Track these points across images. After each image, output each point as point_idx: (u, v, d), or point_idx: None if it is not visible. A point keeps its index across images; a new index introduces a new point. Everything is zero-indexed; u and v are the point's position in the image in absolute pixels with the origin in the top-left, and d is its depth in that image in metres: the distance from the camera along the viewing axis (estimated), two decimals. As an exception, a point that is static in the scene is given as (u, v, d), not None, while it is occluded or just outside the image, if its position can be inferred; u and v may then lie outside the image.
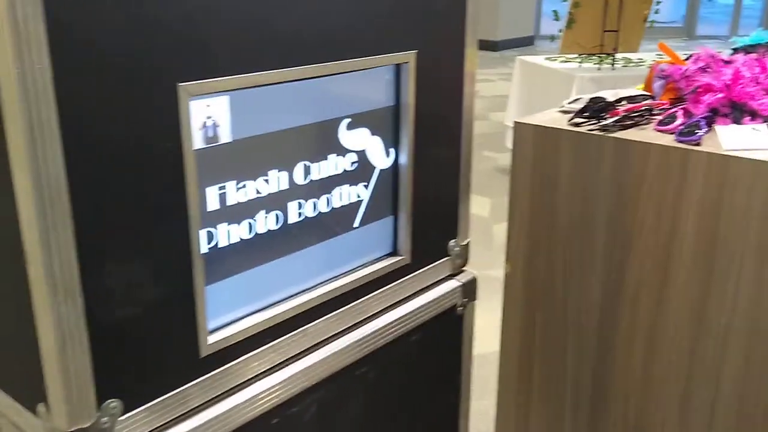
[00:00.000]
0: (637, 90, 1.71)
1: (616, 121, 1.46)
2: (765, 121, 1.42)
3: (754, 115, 1.44)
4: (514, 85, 4.48)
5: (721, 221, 1.28)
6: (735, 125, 1.36)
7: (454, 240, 1.15)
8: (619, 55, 4.04)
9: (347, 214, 0.99)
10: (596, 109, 1.55)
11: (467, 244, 1.18)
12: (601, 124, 1.44)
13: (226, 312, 0.87)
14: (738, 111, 1.44)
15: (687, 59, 1.67)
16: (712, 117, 1.44)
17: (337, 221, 0.98)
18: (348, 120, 0.95)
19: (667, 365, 1.41)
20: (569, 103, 1.63)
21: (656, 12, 3.94)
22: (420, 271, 1.10)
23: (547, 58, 4.27)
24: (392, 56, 0.96)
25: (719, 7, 13.66)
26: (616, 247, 1.43)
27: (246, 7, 0.78)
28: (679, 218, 1.34)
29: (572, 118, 1.50)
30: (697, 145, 1.32)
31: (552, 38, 3.95)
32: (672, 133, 1.39)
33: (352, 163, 0.98)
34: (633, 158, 1.38)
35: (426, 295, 1.11)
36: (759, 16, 11.10)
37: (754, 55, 1.58)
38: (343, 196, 0.98)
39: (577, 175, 1.46)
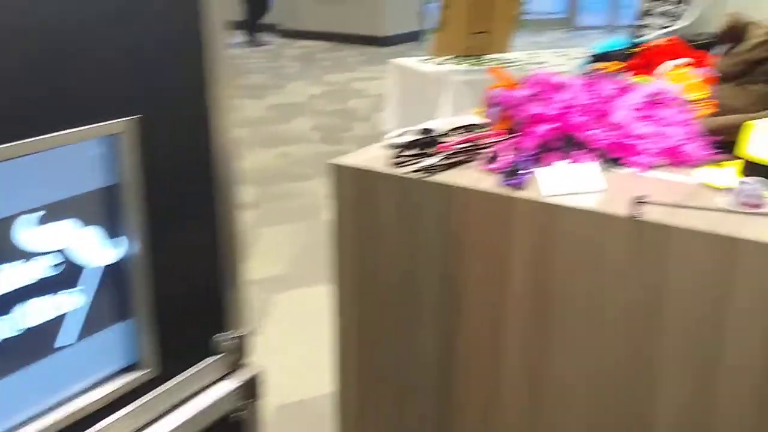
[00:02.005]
0: (473, 117, 1.55)
1: (445, 157, 1.29)
2: (595, 154, 1.29)
3: (584, 148, 1.30)
4: (389, 89, 4.33)
5: (552, 273, 1.14)
6: (556, 165, 1.22)
7: (223, 334, 0.95)
8: (493, 56, 3.95)
9: (50, 331, 0.77)
10: (424, 143, 1.38)
11: (245, 336, 0.98)
12: (423, 164, 1.27)
13: None
14: (568, 144, 1.30)
15: (521, 83, 1.53)
16: (542, 152, 1.29)
17: (36, 344, 0.75)
18: (38, 213, 0.73)
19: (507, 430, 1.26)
20: (397, 136, 1.45)
21: (525, 13, 3.86)
22: (173, 382, 0.89)
23: (421, 61, 4.13)
24: (99, 127, 0.74)
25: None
26: (447, 303, 1.27)
27: None
28: (508, 271, 1.19)
29: (395, 157, 1.32)
30: (521, 188, 1.17)
31: (424, 40, 3.81)
32: (500, 172, 1.23)
33: (55, 266, 0.76)
34: (456, 204, 1.22)
35: (184, 410, 0.90)
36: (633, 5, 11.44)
37: (587, 78, 1.45)
38: (40, 310, 0.75)
39: (402, 224, 1.29)
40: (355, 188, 1.32)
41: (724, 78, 1.33)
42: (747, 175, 1.15)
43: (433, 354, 1.31)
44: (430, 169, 1.26)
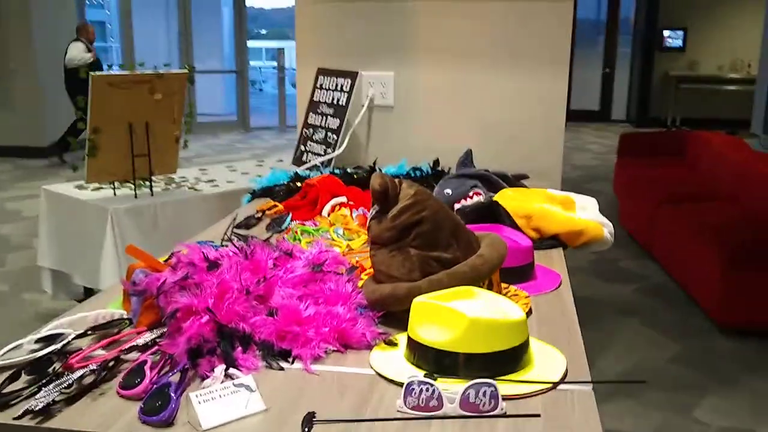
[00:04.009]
0: (116, 310, 1.28)
1: (68, 385, 1.00)
2: (259, 349, 1.12)
3: (248, 343, 1.12)
4: (42, 219, 3.80)
5: None
6: (213, 382, 1.01)
7: None
8: (159, 177, 3.69)
9: None
10: (42, 364, 1.08)
11: None
12: (37, 404, 0.96)
13: None
14: (227, 341, 1.11)
15: (169, 259, 1.32)
16: (195, 358, 1.08)
17: None
18: None
19: None
20: (7, 352, 1.13)
21: (187, 134, 3.70)
22: None
23: (78, 186, 3.70)
24: None
25: (268, 97, 14.65)
26: None
27: None
28: None
29: (-1, 392, 0.99)
30: (170, 425, 0.93)
31: (74, 168, 3.42)
32: (141, 399, 0.98)
33: None
34: (87, 452, 0.93)
35: None
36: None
37: (243, 250, 1.29)
38: None
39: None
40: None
41: (378, 243, 1.26)
42: (413, 359, 1.07)
43: None
44: (45, 411, 0.96)
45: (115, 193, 3.49)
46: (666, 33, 11.73)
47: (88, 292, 3.98)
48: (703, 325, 3.94)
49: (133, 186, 3.43)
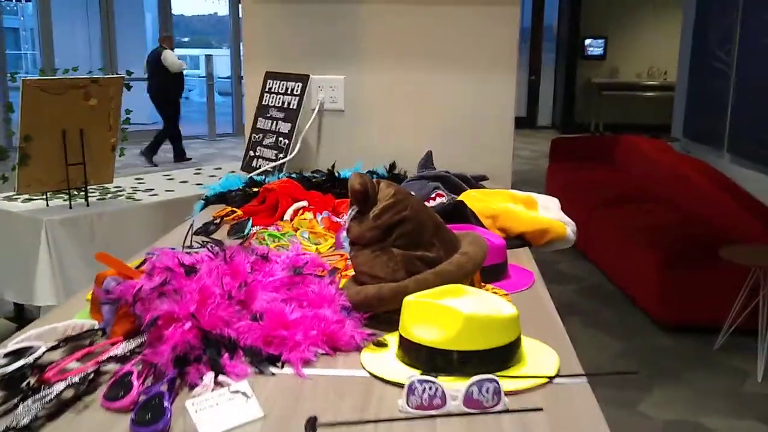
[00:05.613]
0: (86, 321, 1.21)
1: (47, 401, 0.94)
2: (247, 355, 1.08)
3: (234, 350, 1.08)
4: (-33, 234, 3.57)
5: None
6: (205, 389, 0.97)
7: None
8: (94, 187, 3.55)
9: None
10: (15, 378, 1.01)
11: None
12: (16, 423, 0.90)
13: None
14: (213, 349, 1.07)
15: (142, 265, 1.26)
16: (182, 366, 1.03)
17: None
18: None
19: None
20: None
21: (123, 141, 3.57)
22: None
23: (6, 198, 3.53)
24: None
25: (194, 105, 14.33)
26: None
27: None
28: None
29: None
30: (164, 435, 0.89)
31: (4, 179, 3.25)
32: (131, 411, 0.93)
33: None
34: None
35: None
36: (230, 113, 11.86)
37: (220, 253, 1.24)
38: None
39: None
40: None
41: (360, 244, 1.24)
42: (406, 359, 1.06)
43: None
44: (27, 428, 0.90)
45: (47, 204, 3.33)
46: (587, 42, 12.15)
47: (18, 309, 3.79)
48: (641, 323, 4.07)
49: (67, 196, 3.28)
